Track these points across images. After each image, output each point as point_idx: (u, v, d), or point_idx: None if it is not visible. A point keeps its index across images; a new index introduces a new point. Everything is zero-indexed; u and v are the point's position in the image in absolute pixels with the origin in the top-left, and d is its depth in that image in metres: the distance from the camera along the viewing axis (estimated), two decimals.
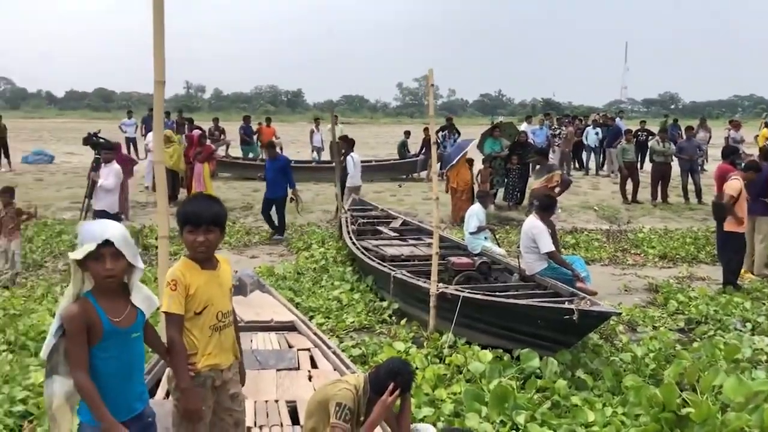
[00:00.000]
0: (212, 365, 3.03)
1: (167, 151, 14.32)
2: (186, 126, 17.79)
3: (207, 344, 3.01)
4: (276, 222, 11.38)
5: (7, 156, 20.19)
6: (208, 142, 15.10)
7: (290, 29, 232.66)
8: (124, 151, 16.75)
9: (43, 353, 2.62)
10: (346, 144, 13.24)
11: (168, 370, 3.18)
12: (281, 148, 23.15)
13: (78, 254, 2.51)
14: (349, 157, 12.63)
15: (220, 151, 18.94)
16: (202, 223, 2.92)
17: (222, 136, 20.32)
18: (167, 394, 3.75)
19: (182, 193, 14.21)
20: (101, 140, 10.22)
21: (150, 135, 17.00)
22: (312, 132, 22.05)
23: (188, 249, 3.02)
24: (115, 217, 9.06)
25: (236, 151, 21.29)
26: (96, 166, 9.66)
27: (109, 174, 9.26)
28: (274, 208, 11.34)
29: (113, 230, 2.56)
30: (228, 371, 3.12)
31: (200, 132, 15.95)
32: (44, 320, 6.52)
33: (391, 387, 3.36)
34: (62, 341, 2.59)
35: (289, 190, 11.35)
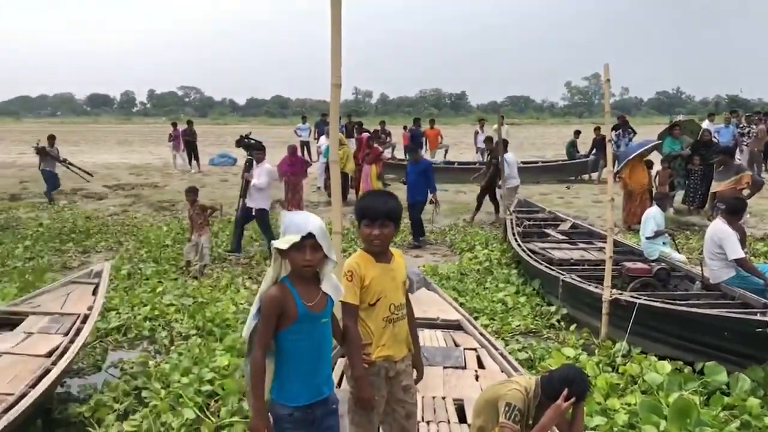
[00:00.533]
0: (386, 356, 3.10)
1: (338, 153, 14.96)
2: (355, 129, 18.43)
3: (381, 335, 3.09)
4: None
5: (197, 159, 22.14)
6: (375, 144, 15.51)
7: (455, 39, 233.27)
8: (299, 153, 17.63)
9: (245, 333, 2.81)
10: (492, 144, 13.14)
11: (343, 359, 3.28)
12: (446, 150, 23.40)
13: (282, 244, 2.68)
14: (504, 157, 12.36)
15: (386, 153, 19.42)
16: (378, 218, 3.02)
17: (388, 139, 20.83)
18: (339, 383, 3.88)
19: (351, 194, 14.72)
20: (252, 141, 10.81)
21: (323, 138, 17.83)
22: (476, 133, 21.96)
23: (364, 242, 3.12)
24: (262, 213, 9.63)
25: (401, 154, 21.75)
26: (248, 167, 10.19)
27: (261, 173, 9.78)
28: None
29: (315, 224, 2.71)
30: (401, 363, 3.17)
31: (368, 135, 16.44)
32: (228, 308, 7.05)
33: (566, 393, 3.23)
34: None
35: (430, 195, 11.06)
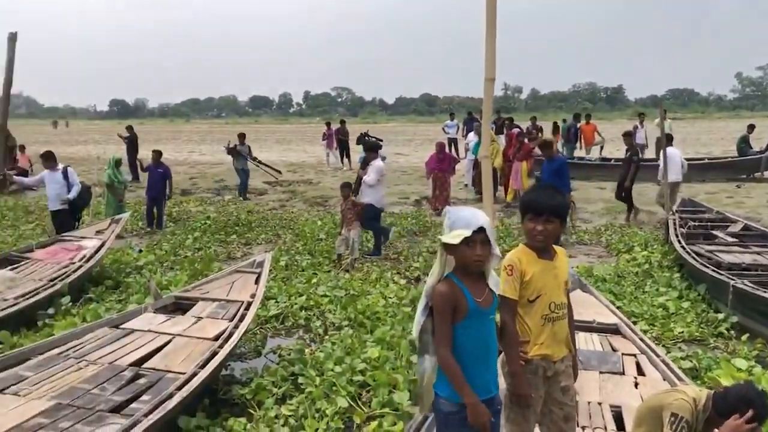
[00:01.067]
0: (544, 355, 3.02)
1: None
2: (505, 125, 18.13)
3: (539, 333, 3.01)
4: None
5: (349, 156, 22.83)
6: (526, 140, 15.17)
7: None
8: (447, 150, 17.61)
9: (414, 332, 2.83)
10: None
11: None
12: (602, 147, 22.41)
13: (453, 239, 2.66)
14: (667, 152, 11.56)
15: (538, 150, 18.92)
16: (543, 213, 2.96)
17: (539, 135, 20.28)
18: None
19: (499, 191, 14.51)
20: (372, 139, 10.88)
21: (471, 135, 17.70)
22: (635, 128, 20.82)
23: (527, 237, 3.06)
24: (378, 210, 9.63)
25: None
26: (364, 164, 10.35)
27: (372, 171, 9.90)
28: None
29: (484, 218, 2.70)
30: (561, 363, 3.08)
31: (519, 131, 16.11)
32: (377, 302, 7.19)
33: (750, 415, 2.93)
34: (429, 321, 2.78)
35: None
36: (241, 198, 16.13)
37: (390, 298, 7.43)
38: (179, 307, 5.98)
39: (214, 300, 5.95)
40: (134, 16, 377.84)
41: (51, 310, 6.79)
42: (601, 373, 4.40)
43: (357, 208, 9.47)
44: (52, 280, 7.30)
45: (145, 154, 20.64)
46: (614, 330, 5.16)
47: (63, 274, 7.52)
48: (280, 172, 18.16)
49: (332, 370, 5.18)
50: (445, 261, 2.77)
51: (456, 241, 2.65)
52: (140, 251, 9.96)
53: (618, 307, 6.66)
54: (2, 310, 6.30)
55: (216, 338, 5.05)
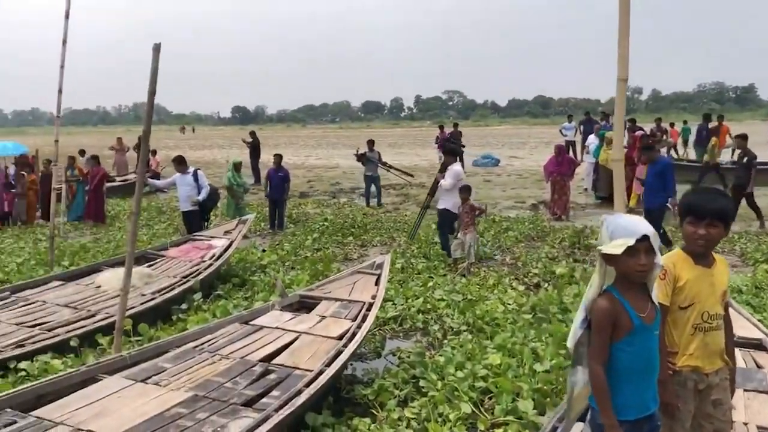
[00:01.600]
0: (694, 367, 2.86)
1: (609, 153, 14.22)
2: (627, 127, 17.41)
3: (689, 343, 2.85)
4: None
5: (461, 160, 22.67)
6: (650, 142, 14.47)
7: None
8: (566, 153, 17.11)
9: (570, 343, 2.75)
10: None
11: None
12: (734, 150, 21.04)
13: (616, 249, 2.52)
14: None
15: (662, 152, 18.03)
16: (705, 216, 2.78)
17: (663, 137, 19.36)
18: None
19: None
20: (452, 144, 10.70)
21: (591, 137, 17.13)
22: None
23: (686, 241, 2.90)
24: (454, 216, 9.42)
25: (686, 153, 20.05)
26: (443, 168, 10.20)
27: (449, 175, 9.74)
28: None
29: (647, 226, 2.56)
30: (714, 376, 2.90)
31: (642, 133, 15.42)
32: (496, 308, 7.08)
33: None
34: (586, 334, 2.69)
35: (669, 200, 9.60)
36: (377, 204, 15.75)
37: (509, 304, 7.30)
38: (304, 305, 6.15)
39: (336, 300, 6.08)
40: (254, 29, 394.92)
41: (184, 305, 7.18)
42: (745, 391, 4.10)
43: (474, 212, 9.38)
44: (185, 277, 7.73)
45: (265, 158, 21.56)
46: (758, 345, 4.80)
47: (195, 271, 7.94)
48: (412, 176, 17.84)
49: (453, 374, 5.13)
50: (605, 272, 2.64)
51: (619, 251, 2.51)
52: (264, 251, 10.35)
53: (759, 320, 6.21)
54: (141, 304, 6.73)
55: (340, 337, 5.15)
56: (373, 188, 15.94)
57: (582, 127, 22.14)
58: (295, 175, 23.34)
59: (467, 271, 8.99)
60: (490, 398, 4.85)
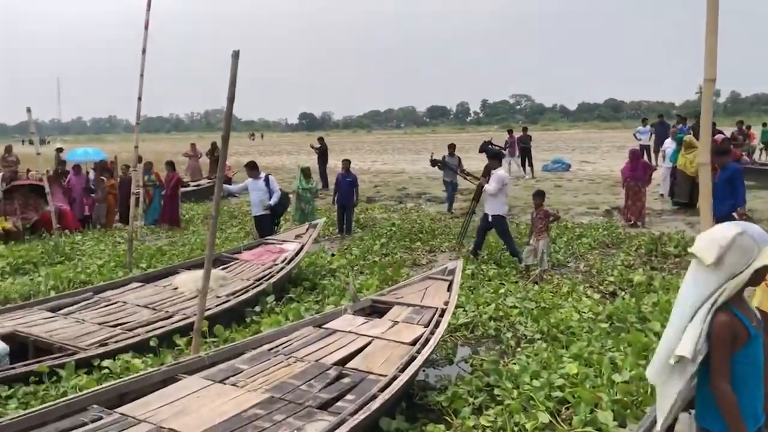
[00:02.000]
0: None
1: (687, 157, 13.73)
2: None
3: None
4: None
5: (531, 164, 22.37)
6: (732, 146, 13.87)
7: None
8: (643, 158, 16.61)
9: (687, 352, 2.56)
10: None
11: None
12: None
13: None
14: None
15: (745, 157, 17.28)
16: None
17: (746, 141, 18.53)
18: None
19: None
20: (495, 147, 10.43)
21: (667, 141, 16.57)
22: None
23: None
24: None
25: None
26: (486, 173, 10.03)
27: (493, 180, 9.58)
28: None
29: None
30: None
31: (723, 137, 14.80)
32: (571, 316, 6.89)
33: None
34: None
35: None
36: (448, 210, 15.44)
37: (584, 312, 7.10)
38: (376, 310, 6.15)
39: (408, 305, 6.05)
40: (321, 36, 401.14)
41: (257, 308, 7.30)
42: None
43: (548, 218, 9.18)
44: (258, 280, 7.86)
45: (332, 163, 21.80)
46: None
47: (267, 274, 8.07)
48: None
49: (529, 383, 5.02)
50: (735, 286, 2.51)
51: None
52: (333, 255, 10.43)
53: None
54: (216, 306, 6.88)
55: (413, 343, 5.12)
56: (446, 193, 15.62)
57: (655, 131, 21.49)
58: (361, 180, 23.40)
59: (540, 278, 8.80)
60: (568, 408, 4.71)
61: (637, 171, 12.88)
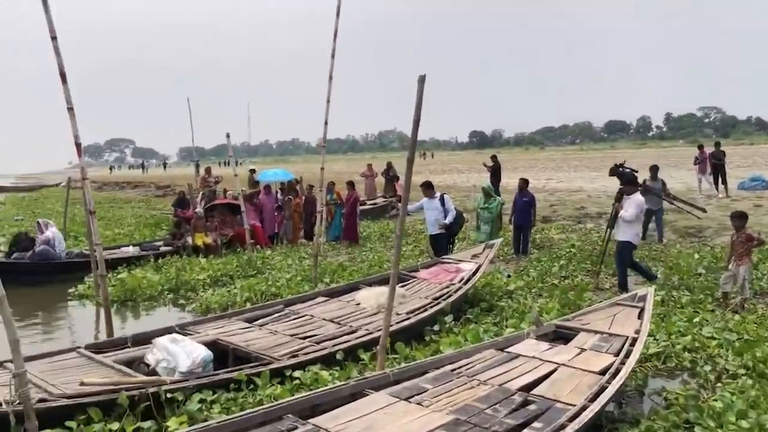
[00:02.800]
0: None
1: None
2: None
3: None
4: None
5: (725, 182, 20.57)
6: None
7: None
8: None
9: None
10: None
11: None
12: None
13: None
14: None
15: None
16: None
17: None
18: None
19: None
20: (626, 170, 9.61)
21: None
22: None
23: None
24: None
25: None
26: (619, 197, 9.45)
27: (631, 205, 8.95)
28: None
29: None
30: None
31: None
32: None
33: None
34: None
35: None
36: (659, 241, 13.35)
37: None
38: (560, 335, 5.94)
39: (596, 332, 5.78)
40: (488, 53, 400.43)
41: (436, 327, 7.35)
42: None
43: (751, 241, 8.36)
44: (435, 299, 7.93)
45: (506, 182, 21.55)
46: None
47: (445, 293, 8.11)
48: (704, 210, 14.32)
49: (735, 423, 4.57)
50: None
51: None
52: (509, 276, 10.26)
53: None
54: (396, 323, 7.01)
55: (602, 372, 4.87)
56: (652, 223, 13.43)
57: None
58: (536, 199, 23.06)
59: (741, 307, 8.04)
60: None
61: None
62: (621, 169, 10.81)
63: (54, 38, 6.94)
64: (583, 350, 5.39)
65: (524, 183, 13.10)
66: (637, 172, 10.18)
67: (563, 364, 5.08)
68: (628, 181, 9.70)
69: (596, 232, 14.96)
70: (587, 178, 32.04)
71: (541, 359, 5.24)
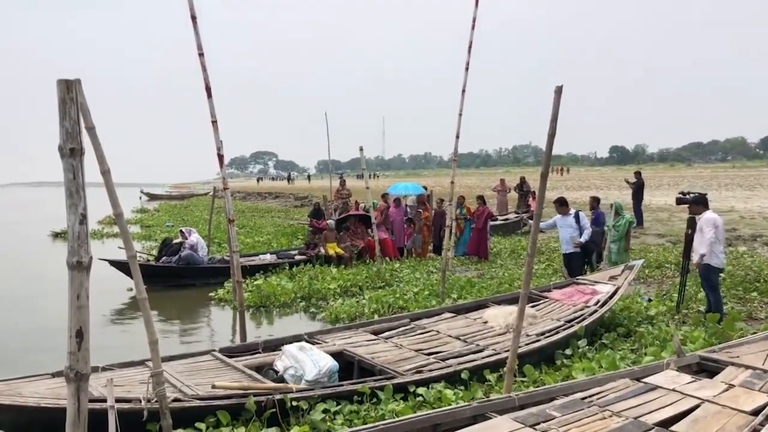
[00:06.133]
0: None
1: None
2: None
3: None
4: None
5: None
6: None
7: None
8: None
9: None
10: None
11: None
12: None
13: None
14: None
15: None
16: None
17: None
18: None
19: None
20: (688, 197, 9.46)
21: None
22: None
23: None
24: None
25: None
26: (691, 222, 9.01)
27: (705, 225, 8.47)
28: None
29: None
30: None
31: None
32: None
33: None
34: None
35: None
36: None
37: None
38: (704, 368, 5.45)
39: (746, 367, 5.23)
40: (628, 68, 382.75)
41: (568, 351, 7.01)
42: None
43: None
44: (568, 321, 7.58)
45: (648, 199, 20.39)
46: None
47: (579, 316, 7.74)
48: None
49: None
50: None
51: None
52: (650, 300, 9.63)
53: None
54: (526, 345, 6.77)
55: (755, 413, 4.38)
56: None
57: None
58: (681, 218, 21.63)
59: None
60: None
61: None
62: (686, 196, 10.14)
63: (201, 54, 7.38)
64: (731, 386, 4.89)
65: (595, 202, 12.72)
66: (706, 194, 9.40)
67: (707, 400, 4.63)
68: (694, 202, 9.01)
69: (749, 256, 13.76)
70: (740, 198, 29.63)
71: (682, 393, 4.81)
